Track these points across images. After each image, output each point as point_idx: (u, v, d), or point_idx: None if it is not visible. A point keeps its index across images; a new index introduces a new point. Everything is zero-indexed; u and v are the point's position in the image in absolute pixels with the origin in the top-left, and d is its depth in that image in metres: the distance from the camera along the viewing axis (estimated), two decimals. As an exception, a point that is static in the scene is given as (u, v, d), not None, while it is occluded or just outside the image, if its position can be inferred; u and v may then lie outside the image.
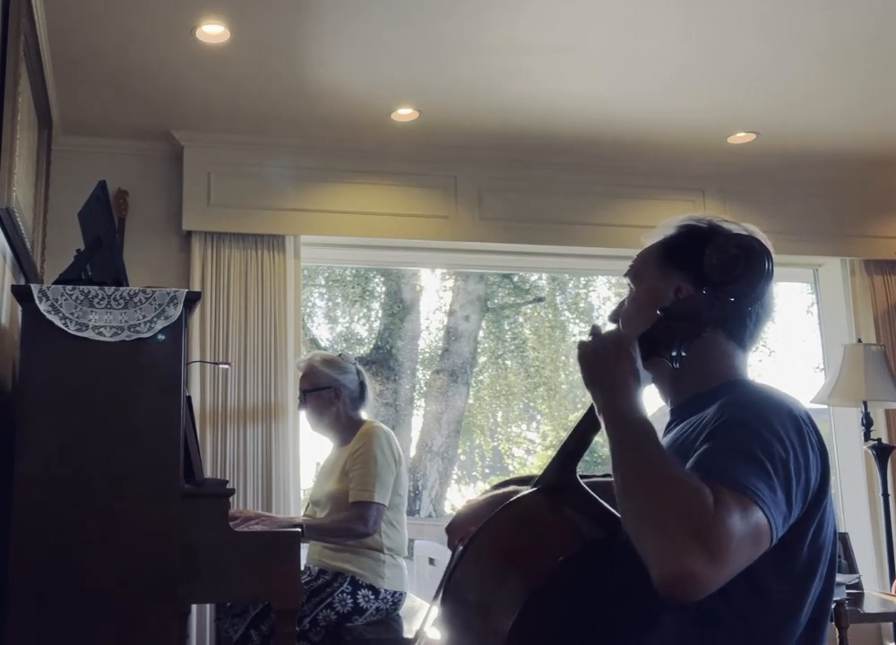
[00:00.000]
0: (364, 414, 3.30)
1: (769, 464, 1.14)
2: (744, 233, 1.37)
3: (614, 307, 1.44)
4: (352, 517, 2.97)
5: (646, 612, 1.23)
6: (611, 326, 1.40)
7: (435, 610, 1.34)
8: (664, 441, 1.36)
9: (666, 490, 1.11)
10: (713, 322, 1.29)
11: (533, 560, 1.21)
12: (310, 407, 3.23)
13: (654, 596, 1.17)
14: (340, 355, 3.34)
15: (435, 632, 1.34)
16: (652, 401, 1.45)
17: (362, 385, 3.27)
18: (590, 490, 1.30)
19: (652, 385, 1.40)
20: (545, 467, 1.37)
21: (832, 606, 2.59)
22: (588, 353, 1.27)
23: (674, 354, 1.25)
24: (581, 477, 1.34)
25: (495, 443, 8.22)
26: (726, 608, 1.16)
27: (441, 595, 1.28)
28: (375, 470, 3.00)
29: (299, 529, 2.48)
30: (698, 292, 1.28)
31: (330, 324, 7.64)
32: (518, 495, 1.32)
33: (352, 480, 3.02)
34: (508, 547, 1.26)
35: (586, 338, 1.30)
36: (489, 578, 1.25)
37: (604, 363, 1.24)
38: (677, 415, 1.38)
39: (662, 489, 1.11)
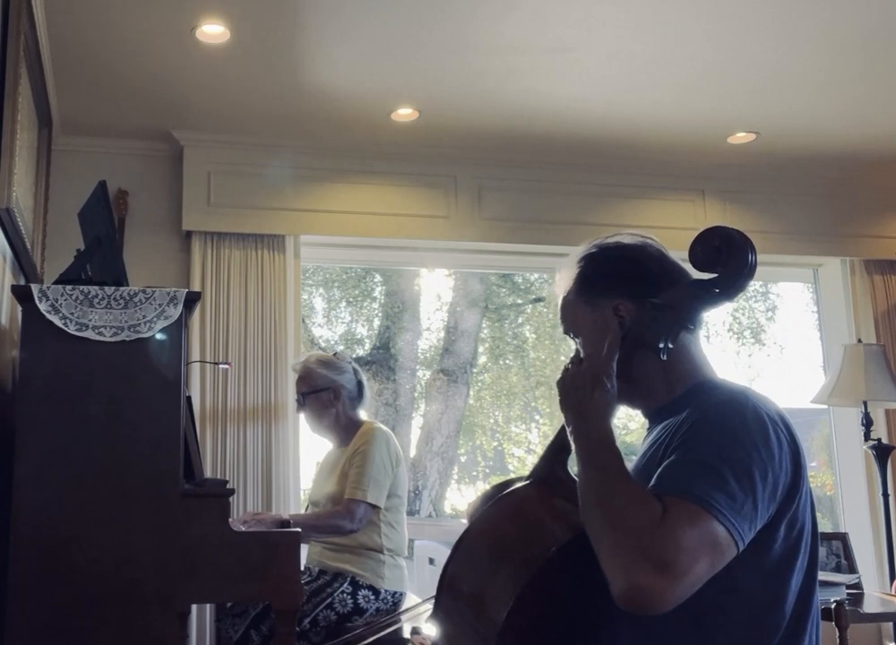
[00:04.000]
0: (362, 413, 3.30)
1: (729, 472, 1.16)
2: (628, 241, 1.44)
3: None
4: (339, 513, 2.98)
5: None
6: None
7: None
8: (643, 446, 1.40)
9: (618, 510, 1.14)
10: (699, 313, 1.32)
11: (526, 551, 1.22)
12: (309, 409, 3.22)
13: None
14: (335, 354, 3.33)
15: (431, 628, 1.35)
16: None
17: (360, 384, 3.27)
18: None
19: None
20: (537, 461, 1.38)
21: (831, 604, 2.59)
22: (566, 380, 1.31)
23: (661, 346, 1.27)
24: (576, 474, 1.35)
25: (496, 443, 8.22)
26: (704, 603, 1.17)
27: (436, 589, 1.29)
28: (371, 471, 3.01)
29: (297, 530, 2.48)
30: (681, 285, 1.31)
31: (330, 324, 7.64)
32: (510, 489, 1.33)
33: (349, 479, 3.02)
34: (501, 540, 1.27)
35: (569, 365, 1.34)
36: (483, 570, 1.26)
37: (580, 391, 1.29)
38: (654, 419, 1.41)
39: (615, 509, 1.15)
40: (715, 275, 1.28)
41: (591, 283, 1.42)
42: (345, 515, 2.96)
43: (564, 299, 1.47)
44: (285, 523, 2.80)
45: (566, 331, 1.47)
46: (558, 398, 1.31)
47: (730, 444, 1.19)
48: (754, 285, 6.37)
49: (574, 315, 1.44)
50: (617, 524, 1.13)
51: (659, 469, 1.22)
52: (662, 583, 1.06)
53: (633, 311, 1.35)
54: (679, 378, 1.37)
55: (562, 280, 1.48)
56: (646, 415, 1.43)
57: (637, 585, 1.07)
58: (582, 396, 1.28)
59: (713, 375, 1.39)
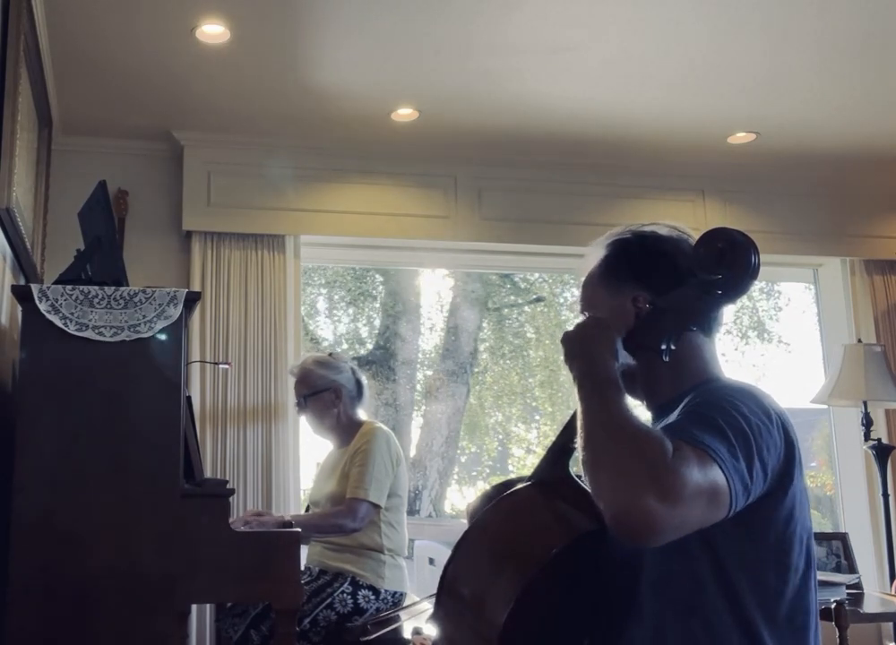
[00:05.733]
0: (362, 413, 3.30)
1: (731, 434, 1.17)
2: (664, 233, 1.42)
3: None
4: (341, 512, 2.98)
5: (631, 603, 1.26)
6: None
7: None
8: None
9: (629, 436, 1.14)
10: (701, 314, 1.32)
11: (526, 553, 1.22)
12: (311, 410, 3.22)
13: (638, 588, 1.22)
14: (330, 354, 3.33)
15: (432, 628, 1.35)
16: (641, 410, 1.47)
17: (359, 383, 3.27)
18: (582, 484, 1.31)
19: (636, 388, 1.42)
20: (538, 462, 1.38)
21: (831, 604, 2.59)
22: (572, 331, 1.31)
23: (664, 347, 1.26)
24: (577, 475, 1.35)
25: (496, 443, 8.23)
26: (700, 600, 1.17)
27: (437, 590, 1.29)
28: (372, 470, 3.01)
29: (296, 530, 2.48)
30: (685, 286, 1.30)
31: (331, 324, 7.65)
32: (511, 490, 1.33)
33: (350, 479, 3.02)
34: (502, 541, 1.27)
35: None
36: (484, 572, 1.26)
37: (586, 340, 1.28)
38: (658, 415, 1.41)
39: (625, 435, 1.14)
40: (718, 277, 1.28)
41: (616, 269, 1.41)
42: (347, 514, 2.96)
43: (587, 280, 1.46)
44: (286, 524, 2.79)
45: (582, 311, 1.46)
46: (563, 351, 1.30)
47: (734, 415, 1.20)
48: (759, 284, 6.36)
49: (593, 296, 1.44)
50: (628, 450, 1.12)
51: (665, 425, 1.22)
52: (662, 509, 1.06)
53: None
54: (685, 378, 1.36)
55: (588, 259, 1.47)
56: (650, 409, 1.43)
57: (636, 507, 1.06)
58: (587, 343, 1.27)
59: (720, 375, 1.39)
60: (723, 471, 1.12)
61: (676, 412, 1.29)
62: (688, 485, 1.08)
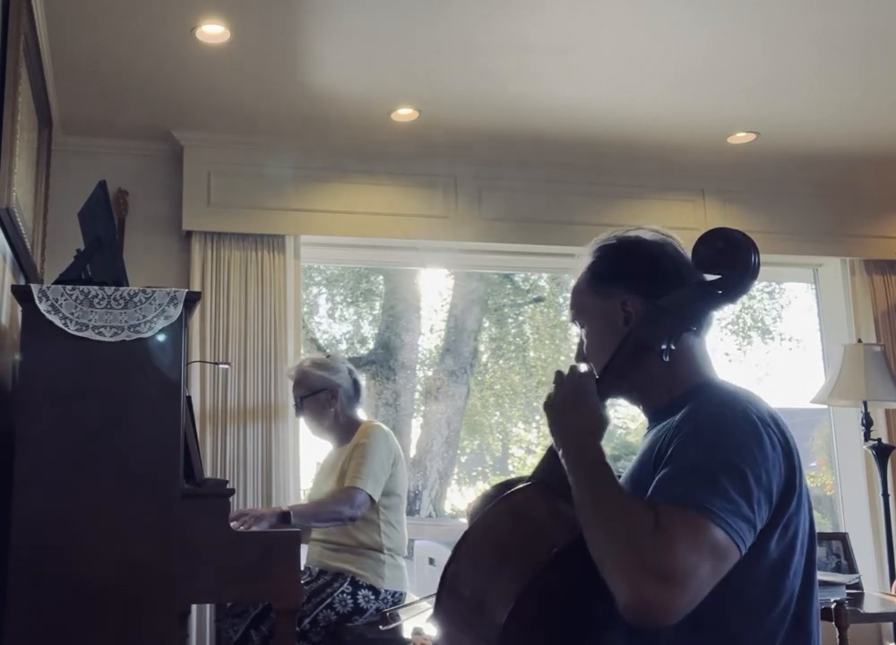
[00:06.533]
0: (360, 412, 3.31)
1: (723, 475, 1.16)
2: (648, 237, 1.44)
3: (575, 349, 1.48)
4: (339, 499, 2.97)
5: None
6: (583, 367, 1.41)
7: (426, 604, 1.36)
8: (641, 446, 1.40)
9: (613, 525, 1.15)
10: (702, 314, 1.32)
11: (527, 553, 1.22)
12: (308, 411, 3.23)
13: None
14: (328, 356, 3.34)
15: (431, 629, 1.35)
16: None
17: (356, 383, 3.28)
18: None
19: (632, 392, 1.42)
20: (538, 463, 1.38)
21: (831, 604, 2.59)
22: (549, 406, 1.33)
23: (664, 347, 1.27)
24: None
25: (496, 443, 8.23)
26: (701, 607, 1.17)
27: (437, 589, 1.29)
28: (370, 464, 3.01)
29: (296, 530, 2.48)
30: (686, 286, 1.31)
31: (332, 324, 7.65)
32: (512, 490, 1.33)
33: (348, 471, 3.02)
34: (502, 541, 1.27)
35: (551, 389, 1.36)
36: (484, 571, 1.26)
37: (563, 415, 1.30)
38: (654, 419, 1.41)
39: (610, 525, 1.15)
40: (718, 277, 1.28)
41: (603, 275, 1.42)
42: (345, 501, 2.95)
43: (575, 286, 1.47)
44: (285, 514, 2.80)
45: (573, 319, 1.47)
46: (547, 421, 1.32)
47: (723, 447, 1.19)
48: (761, 282, 6.35)
49: (582, 304, 1.45)
50: (614, 540, 1.13)
51: (656, 479, 1.22)
52: (666, 594, 1.06)
53: (640, 309, 1.35)
54: (680, 379, 1.36)
55: (576, 266, 1.48)
56: (646, 413, 1.44)
57: (642, 598, 1.07)
58: (568, 418, 1.30)
59: (714, 377, 1.39)
60: (719, 526, 1.12)
61: (672, 426, 1.28)
62: (682, 560, 1.08)
